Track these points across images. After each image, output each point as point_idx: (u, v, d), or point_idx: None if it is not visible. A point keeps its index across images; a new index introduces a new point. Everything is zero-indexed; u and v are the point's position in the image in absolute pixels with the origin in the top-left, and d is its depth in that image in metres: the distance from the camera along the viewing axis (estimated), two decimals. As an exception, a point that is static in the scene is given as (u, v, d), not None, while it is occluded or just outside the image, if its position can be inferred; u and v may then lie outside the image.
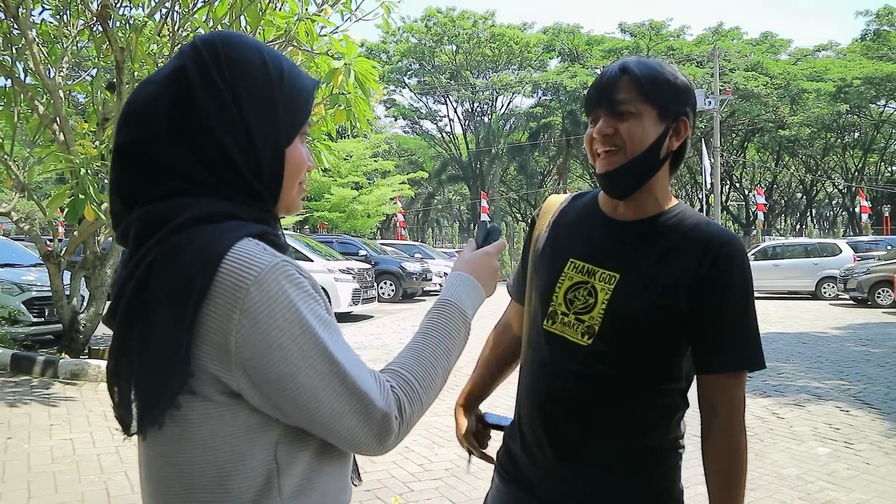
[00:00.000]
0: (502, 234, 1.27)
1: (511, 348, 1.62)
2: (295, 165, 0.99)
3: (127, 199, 0.93)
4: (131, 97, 0.95)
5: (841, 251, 18.29)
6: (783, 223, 44.73)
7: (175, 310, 0.83)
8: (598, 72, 1.51)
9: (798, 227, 43.85)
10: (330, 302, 0.98)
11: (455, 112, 42.83)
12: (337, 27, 7.01)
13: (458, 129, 43.73)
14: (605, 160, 1.32)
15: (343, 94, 6.57)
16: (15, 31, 6.74)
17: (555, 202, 1.55)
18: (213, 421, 0.87)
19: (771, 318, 13.36)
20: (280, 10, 6.86)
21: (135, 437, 0.95)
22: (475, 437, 1.64)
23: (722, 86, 28.93)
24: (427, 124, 44.70)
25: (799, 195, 47.90)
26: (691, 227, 1.32)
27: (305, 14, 6.59)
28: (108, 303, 0.95)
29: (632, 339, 1.30)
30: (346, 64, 6.19)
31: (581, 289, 1.36)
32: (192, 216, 0.87)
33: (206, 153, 0.91)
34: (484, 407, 1.69)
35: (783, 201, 49.02)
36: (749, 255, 16.28)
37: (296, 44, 6.84)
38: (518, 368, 1.54)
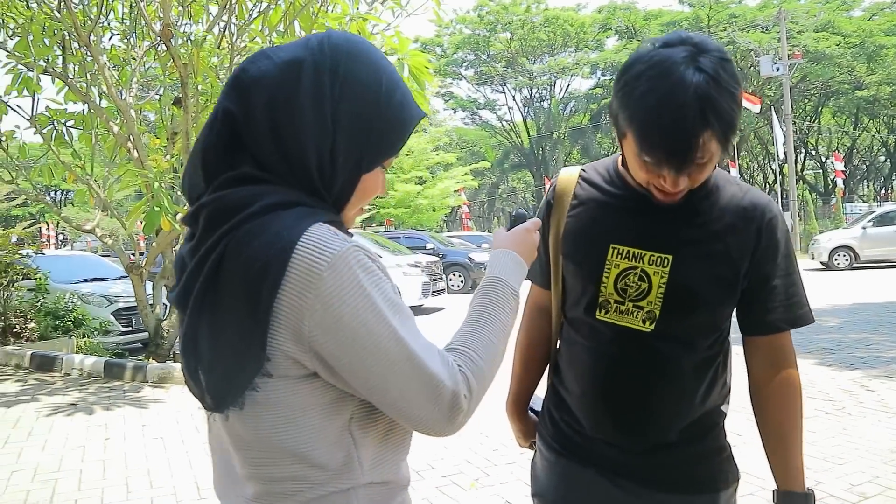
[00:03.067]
0: (528, 216, 1.26)
1: (548, 339, 1.56)
2: (366, 191, 1.00)
3: (207, 170, 0.94)
4: (243, 65, 0.95)
5: None
6: (865, 189, 42.46)
7: (251, 296, 0.85)
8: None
9: (883, 192, 41.52)
10: (400, 296, 0.99)
11: (514, 100, 42.66)
12: (389, 24, 7.09)
13: (517, 117, 43.43)
14: (669, 197, 1.25)
15: (398, 89, 6.61)
16: (88, 59, 7.10)
17: (570, 180, 1.47)
18: (289, 398, 0.89)
19: (858, 287, 12.75)
20: (332, 11, 6.99)
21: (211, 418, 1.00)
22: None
23: (790, 50, 27.64)
24: (486, 114, 44.61)
25: (882, 158, 45.32)
26: (730, 195, 1.33)
27: (357, 14, 6.69)
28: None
29: (694, 317, 1.31)
30: (399, 59, 6.25)
31: (631, 274, 1.32)
32: (268, 204, 0.88)
33: (289, 153, 0.92)
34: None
35: (864, 166, 46.51)
36: (867, 221, 15.43)
37: (349, 44, 6.94)
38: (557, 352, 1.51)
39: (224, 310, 0.87)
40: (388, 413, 0.93)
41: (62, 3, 6.62)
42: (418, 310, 12.57)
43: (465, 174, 26.54)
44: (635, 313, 1.32)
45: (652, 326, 1.30)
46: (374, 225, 26.55)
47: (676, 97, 1.10)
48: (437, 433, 0.93)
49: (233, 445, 0.96)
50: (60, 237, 30.90)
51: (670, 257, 1.29)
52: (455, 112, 45.02)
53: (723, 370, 1.38)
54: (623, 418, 1.36)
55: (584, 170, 1.48)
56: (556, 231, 1.44)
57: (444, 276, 14.38)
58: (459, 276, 16.48)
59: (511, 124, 43.52)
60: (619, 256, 1.34)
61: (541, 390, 1.64)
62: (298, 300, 0.85)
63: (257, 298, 0.84)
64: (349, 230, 1.01)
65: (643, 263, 1.31)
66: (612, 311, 1.34)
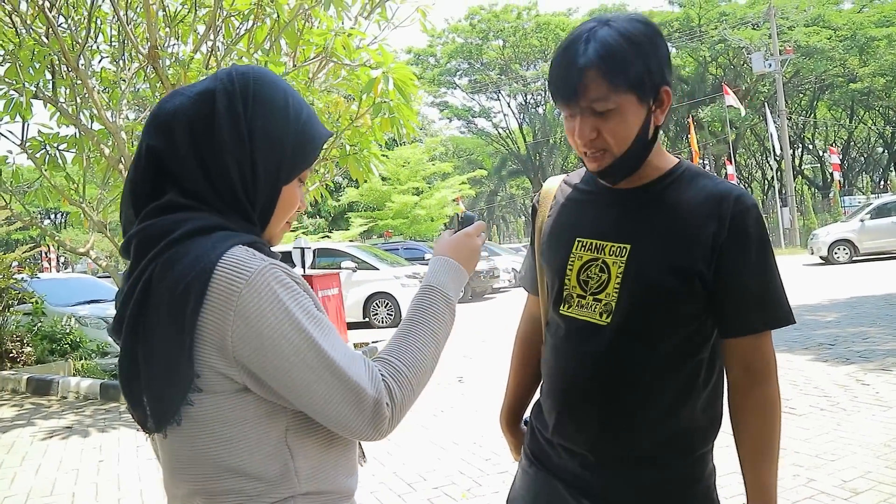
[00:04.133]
0: (475, 218, 1.28)
1: (540, 350, 1.53)
2: (287, 203, 1.08)
3: (137, 203, 1.01)
4: (159, 104, 1.03)
5: None
6: (864, 181, 42.40)
7: (175, 317, 0.90)
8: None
9: (882, 183, 41.47)
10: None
11: (509, 107, 42.70)
12: (375, 37, 7.14)
13: (513, 124, 43.62)
14: (594, 161, 1.27)
15: (385, 102, 6.66)
16: (78, 82, 7.14)
17: (553, 185, 1.51)
18: (224, 413, 0.95)
19: (858, 280, 12.72)
20: (316, 27, 7.03)
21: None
22: None
23: (781, 45, 27.71)
24: (482, 122, 44.70)
25: (880, 150, 45.28)
26: (699, 186, 1.27)
27: (341, 29, 6.73)
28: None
29: (651, 310, 1.25)
30: (383, 72, 6.29)
31: (592, 266, 1.31)
32: (187, 230, 0.95)
33: (213, 174, 0.99)
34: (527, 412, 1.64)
35: (863, 158, 46.49)
36: (864, 213, 15.19)
37: (335, 59, 6.99)
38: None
39: (154, 332, 0.92)
40: (316, 419, 0.97)
41: (49, 29, 6.68)
42: (417, 320, 12.55)
43: (463, 183, 26.56)
44: (594, 307, 1.29)
45: (608, 319, 1.27)
46: (373, 237, 26.61)
47: (572, 37, 1.22)
48: (364, 438, 0.99)
49: (175, 464, 1.00)
50: (62, 260, 30.98)
51: (628, 247, 1.27)
52: (450, 121, 45.21)
53: (703, 387, 1.29)
54: (580, 417, 1.32)
55: (567, 174, 1.51)
56: (539, 235, 1.47)
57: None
58: (459, 284, 16.46)
59: (507, 131, 43.64)
60: (583, 248, 1.33)
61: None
62: (220, 318, 0.91)
63: (182, 319, 0.90)
64: (273, 251, 1.05)
65: (604, 255, 1.30)
66: (573, 305, 1.33)
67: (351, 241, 21.02)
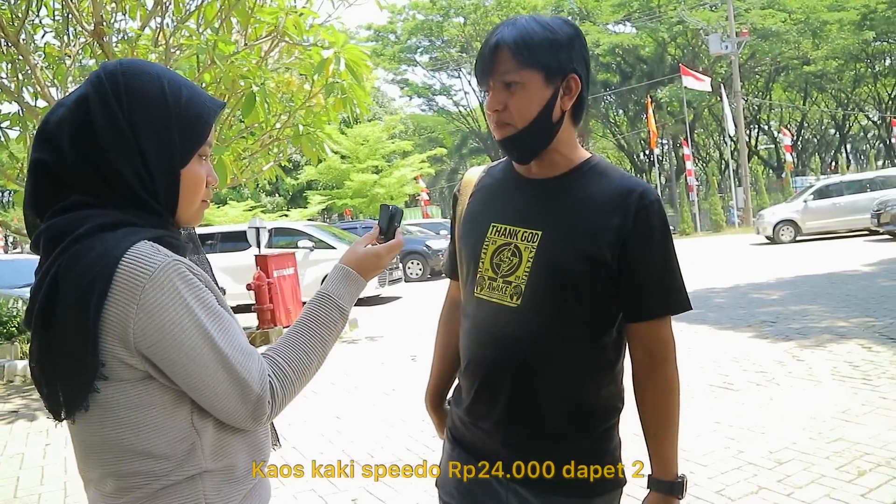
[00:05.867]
0: (402, 214, 1.33)
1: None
2: (192, 184, 1.09)
3: (38, 210, 1.04)
4: (45, 117, 1.05)
5: None
6: (816, 162, 43.53)
7: (81, 309, 0.94)
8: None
9: (832, 164, 42.64)
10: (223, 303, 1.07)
11: (469, 84, 42.52)
12: (329, 15, 7.08)
13: (474, 102, 43.40)
14: (498, 130, 1.37)
15: (338, 82, 6.63)
16: (20, 58, 6.93)
17: (473, 175, 1.58)
18: (130, 399, 1.00)
19: (801, 260, 13.15)
20: (268, 5, 6.92)
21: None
22: None
23: (738, 27, 28.14)
24: (443, 100, 44.53)
25: (832, 131, 46.48)
26: (607, 180, 1.36)
27: (291, 8, 6.65)
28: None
29: (559, 293, 1.33)
30: (335, 53, 6.25)
31: (505, 250, 1.38)
32: (92, 226, 0.98)
33: (106, 175, 1.02)
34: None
35: (815, 140, 47.67)
36: (808, 195, 15.27)
37: (288, 38, 6.92)
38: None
39: (62, 323, 0.97)
40: (203, 407, 1.03)
41: (-13, 3, 6.46)
42: (375, 300, 12.61)
43: (423, 161, 26.51)
44: (504, 289, 1.37)
45: (518, 301, 1.34)
46: (333, 216, 26.45)
47: (484, 42, 1.35)
48: (243, 427, 1.07)
49: (86, 449, 1.04)
50: (10, 240, 30.06)
51: (540, 232, 1.35)
52: (411, 99, 44.92)
53: (609, 367, 1.38)
54: (491, 396, 1.39)
55: (492, 163, 1.58)
56: (459, 222, 1.53)
57: (401, 265, 14.44)
58: (418, 264, 16.55)
59: (468, 109, 43.50)
60: (497, 234, 1.41)
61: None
62: (123, 311, 0.95)
63: (87, 311, 0.94)
64: (182, 244, 1.08)
65: (517, 240, 1.37)
66: (485, 287, 1.40)
67: (309, 219, 20.87)
